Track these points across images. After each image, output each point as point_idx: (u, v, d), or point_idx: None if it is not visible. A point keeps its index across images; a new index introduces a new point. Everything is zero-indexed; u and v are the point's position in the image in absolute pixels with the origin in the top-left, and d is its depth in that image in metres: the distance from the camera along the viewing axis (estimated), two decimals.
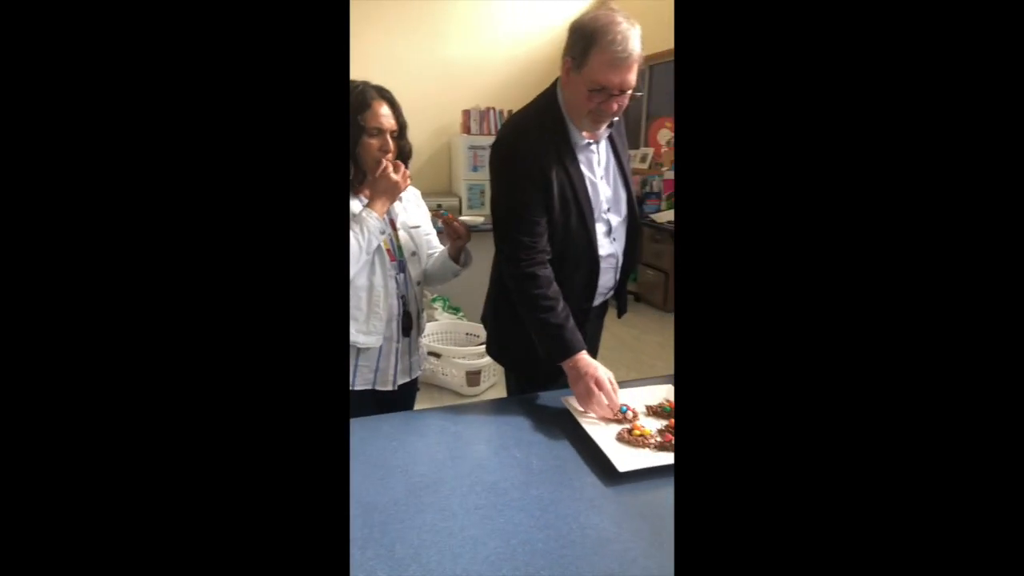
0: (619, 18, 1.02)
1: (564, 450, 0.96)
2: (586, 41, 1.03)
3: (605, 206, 1.20)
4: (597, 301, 1.29)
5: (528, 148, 1.11)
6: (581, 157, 1.15)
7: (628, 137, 1.33)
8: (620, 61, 1.01)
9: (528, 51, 5.19)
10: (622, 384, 1.13)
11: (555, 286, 1.13)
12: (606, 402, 1.04)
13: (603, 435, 0.97)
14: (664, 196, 4.52)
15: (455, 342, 3.03)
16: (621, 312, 1.40)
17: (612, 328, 1.58)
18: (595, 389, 1.04)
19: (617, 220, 1.23)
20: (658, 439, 0.96)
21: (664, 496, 0.84)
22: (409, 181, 1.20)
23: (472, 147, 4.75)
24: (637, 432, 0.97)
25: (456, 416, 1.07)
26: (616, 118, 1.15)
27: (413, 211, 1.30)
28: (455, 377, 2.77)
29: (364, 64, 3.60)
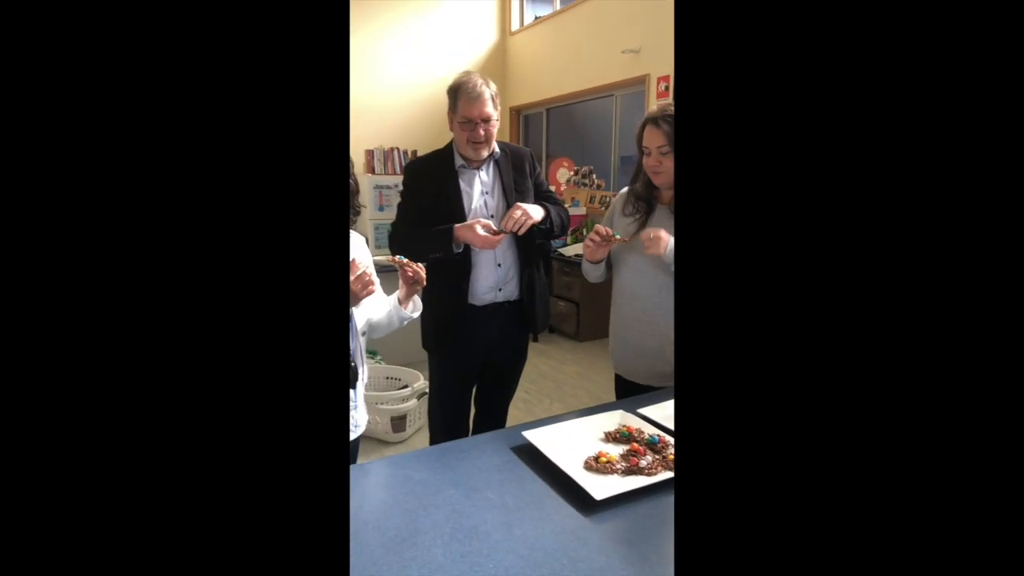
0: (474, 76, 1.60)
1: (535, 485, 0.95)
2: (455, 92, 1.59)
3: (488, 213, 1.64)
4: (485, 299, 1.64)
5: (414, 172, 1.70)
6: (463, 178, 1.63)
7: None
8: (475, 98, 1.55)
9: (431, 94, 5.27)
10: (564, 416, 1.16)
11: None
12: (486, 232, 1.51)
13: (572, 465, 0.98)
14: (569, 231, 4.72)
15: (375, 387, 2.91)
16: (539, 330, 1.78)
17: (532, 360, 1.68)
18: (477, 227, 1.50)
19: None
20: (624, 464, 0.98)
21: (643, 519, 0.86)
22: (373, 288, 1.18)
23: (378, 187, 4.68)
24: (604, 459, 0.99)
25: (416, 463, 1.03)
26: (494, 146, 1.63)
27: (359, 256, 1.26)
28: (379, 424, 2.65)
29: None
